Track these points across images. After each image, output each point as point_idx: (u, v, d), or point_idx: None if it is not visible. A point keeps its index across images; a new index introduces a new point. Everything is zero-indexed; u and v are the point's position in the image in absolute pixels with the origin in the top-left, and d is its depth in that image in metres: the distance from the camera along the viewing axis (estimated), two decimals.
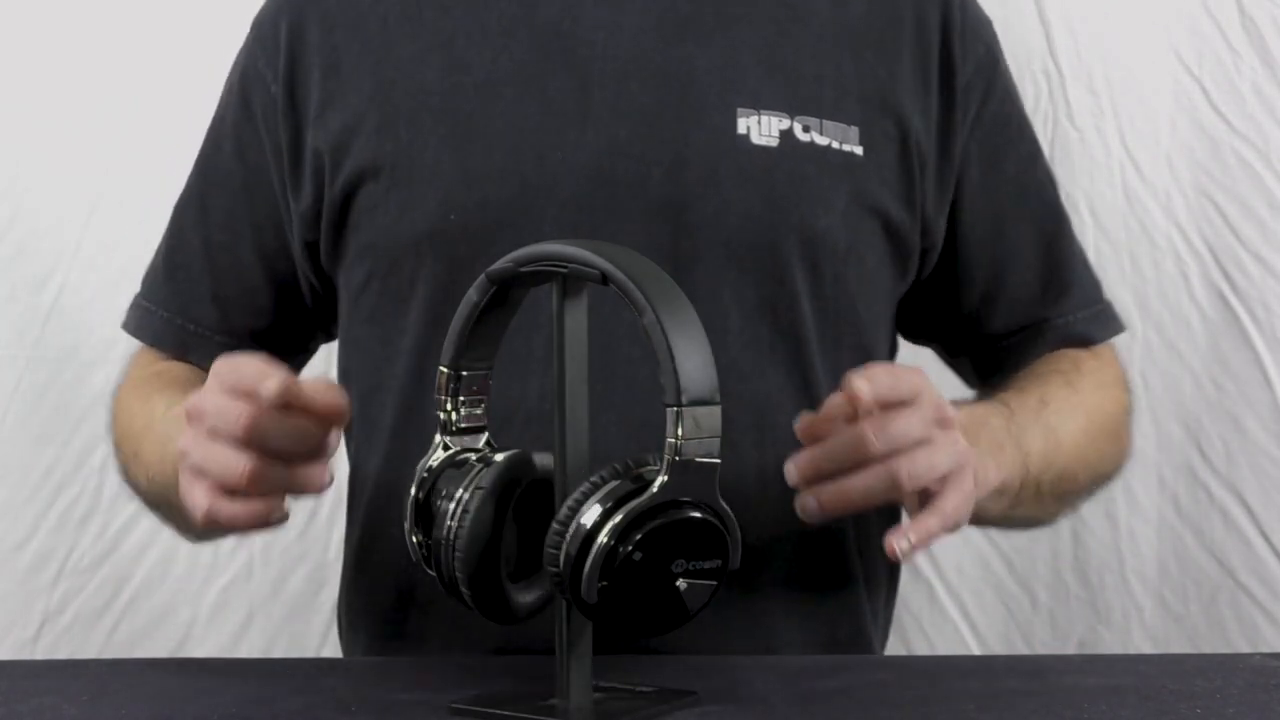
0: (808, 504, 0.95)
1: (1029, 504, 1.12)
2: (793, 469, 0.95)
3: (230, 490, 0.93)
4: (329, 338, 1.30)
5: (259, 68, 1.21)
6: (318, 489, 0.94)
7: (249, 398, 0.92)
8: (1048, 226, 1.25)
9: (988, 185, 1.22)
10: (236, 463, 0.92)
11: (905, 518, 0.98)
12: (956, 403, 1.07)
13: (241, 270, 1.24)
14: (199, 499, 0.94)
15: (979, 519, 1.07)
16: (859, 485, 0.94)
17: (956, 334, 1.27)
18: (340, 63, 1.18)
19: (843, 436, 0.94)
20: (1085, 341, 1.25)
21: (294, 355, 1.29)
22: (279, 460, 0.93)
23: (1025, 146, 1.24)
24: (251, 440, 0.92)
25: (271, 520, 0.94)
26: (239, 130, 1.23)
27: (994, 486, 1.03)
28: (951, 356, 1.30)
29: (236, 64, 1.25)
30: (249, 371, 0.93)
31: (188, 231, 1.25)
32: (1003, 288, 1.24)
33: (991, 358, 1.26)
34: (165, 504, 1.14)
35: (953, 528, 0.96)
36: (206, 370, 1.23)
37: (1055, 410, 1.15)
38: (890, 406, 0.93)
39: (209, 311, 1.25)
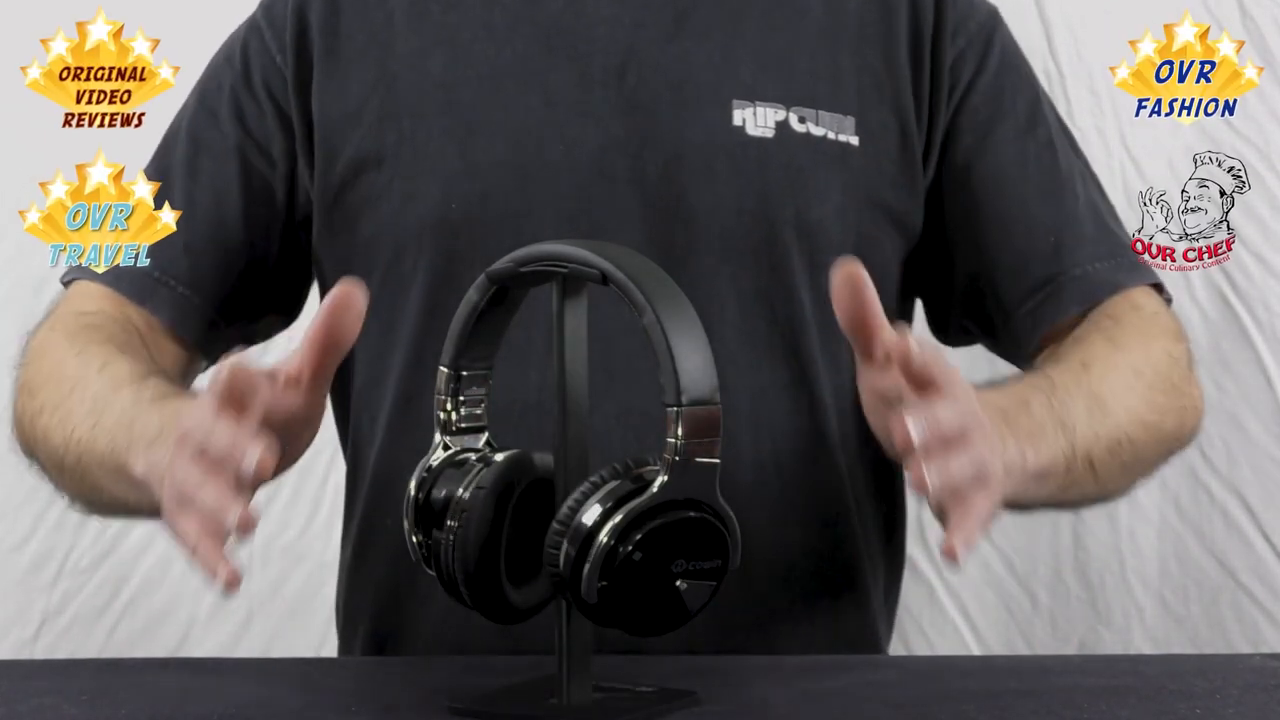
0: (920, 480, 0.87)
1: (1084, 482, 1.07)
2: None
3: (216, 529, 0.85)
4: (284, 323, 1.28)
5: (264, 40, 1.22)
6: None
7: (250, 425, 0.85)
8: (1049, 189, 1.21)
9: (978, 149, 1.20)
10: (231, 506, 0.84)
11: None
12: (995, 383, 1.05)
13: (222, 230, 1.21)
14: (187, 533, 0.86)
15: (1025, 505, 1.03)
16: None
17: (947, 312, 1.24)
18: (341, 49, 1.19)
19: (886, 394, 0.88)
20: (1113, 288, 1.18)
21: (251, 338, 1.26)
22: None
23: (1020, 117, 1.22)
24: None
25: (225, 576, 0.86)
26: (237, 97, 1.22)
27: (1032, 473, 0.98)
28: (945, 340, 1.25)
29: (235, 37, 1.25)
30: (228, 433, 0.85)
31: (172, 189, 1.21)
32: (1008, 247, 1.19)
33: (1012, 336, 1.20)
34: (77, 468, 1.09)
35: (987, 526, 0.90)
36: (160, 323, 1.20)
37: (1099, 374, 1.10)
38: (926, 385, 0.87)
39: (179, 260, 1.20)
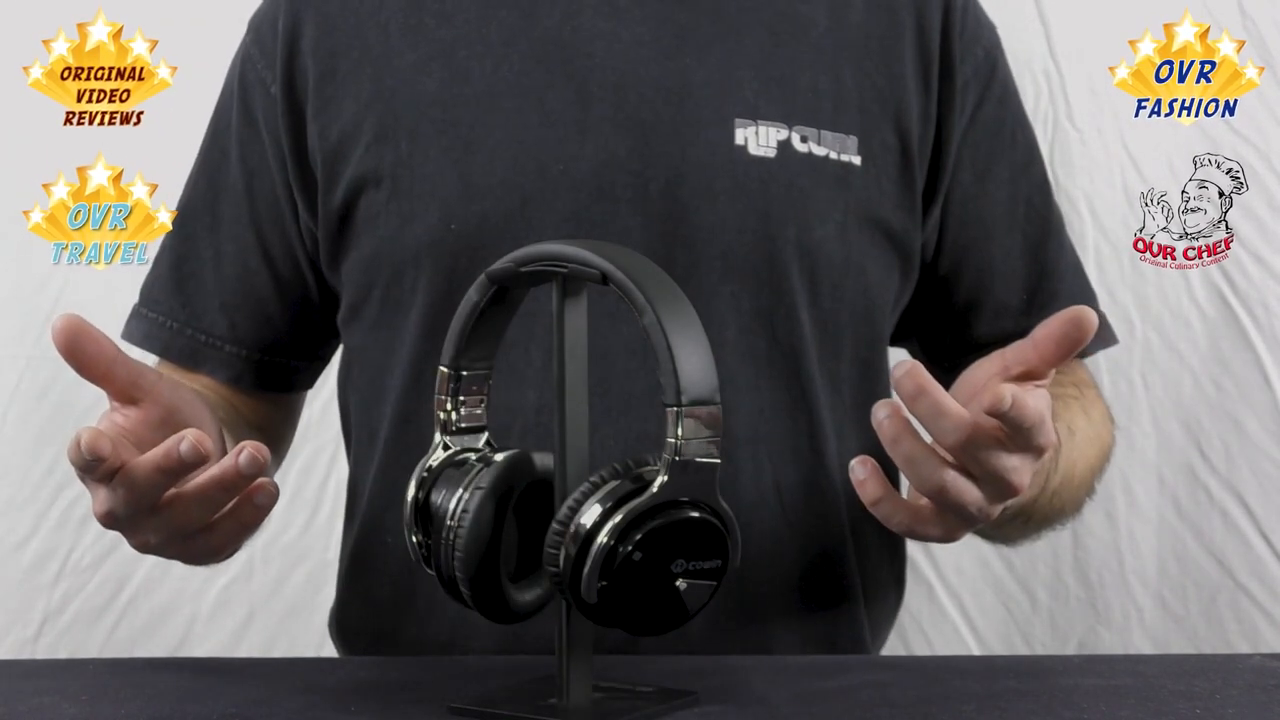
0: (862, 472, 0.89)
1: (1014, 528, 1.11)
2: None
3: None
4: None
5: (258, 69, 1.21)
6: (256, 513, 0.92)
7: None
8: (1035, 235, 1.23)
9: (977, 190, 1.21)
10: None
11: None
12: None
13: (249, 278, 1.23)
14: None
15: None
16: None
17: (938, 337, 1.25)
18: (336, 68, 1.18)
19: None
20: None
21: (308, 363, 1.28)
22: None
23: (1019, 153, 1.23)
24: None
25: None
26: (241, 135, 1.22)
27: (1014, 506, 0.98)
28: (929, 359, 1.26)
29: (234, 66, 1.24)
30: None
31: (198, 240, 1.23)
32: (988, 294, 1.22)
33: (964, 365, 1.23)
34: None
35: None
36: (216, 383, 1.22)
37: (1077, 444, 1.13)
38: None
39: (219, 320, 1.23)
